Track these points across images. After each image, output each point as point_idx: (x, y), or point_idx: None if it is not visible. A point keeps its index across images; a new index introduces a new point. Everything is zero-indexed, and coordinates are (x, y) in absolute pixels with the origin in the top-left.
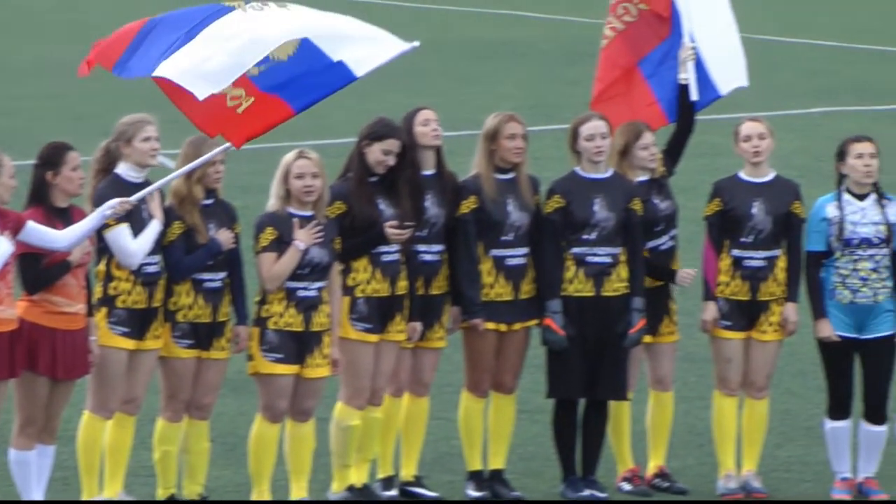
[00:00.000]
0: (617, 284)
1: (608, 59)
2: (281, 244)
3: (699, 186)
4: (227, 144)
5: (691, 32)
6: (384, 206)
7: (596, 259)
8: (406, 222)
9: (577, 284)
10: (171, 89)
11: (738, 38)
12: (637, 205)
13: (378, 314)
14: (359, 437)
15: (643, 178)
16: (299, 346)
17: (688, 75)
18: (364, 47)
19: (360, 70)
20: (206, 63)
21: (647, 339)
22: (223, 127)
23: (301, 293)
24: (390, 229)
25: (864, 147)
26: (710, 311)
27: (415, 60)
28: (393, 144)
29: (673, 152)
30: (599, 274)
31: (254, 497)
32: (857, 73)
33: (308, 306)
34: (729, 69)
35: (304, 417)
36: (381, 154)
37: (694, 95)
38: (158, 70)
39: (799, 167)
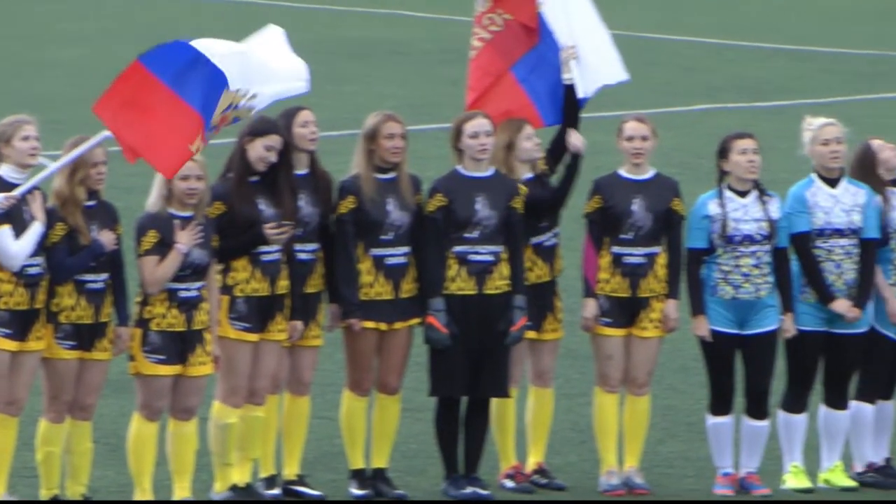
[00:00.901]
0: (499, 282)
1: (479, 67)
2: (163, 247)
3: (581, 184)
4: (104, 134)
5: (566, 35)
6: (264, 206)
7: (478, 257)
8: (285, 222)
9: (459, 283)
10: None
11: (608, 37)
12: (518, 203)
13: (258, 314)
14: (238, 436)
15: (528, 175)
16: (182, 345)
17: (572, 74)
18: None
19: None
20: None
21: (531, 335)
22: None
23: (183, 294)
24: (269, 230)
25: (748, 143)
26: (591, 308)
27: None
28: (275, 140)
29: (556, 151)
30: (482, 272)
31: (136, 497)
32: (737, 70)
33: (190, 306)
34: (601, 70)
35: (187, 416)
36: (263, 150)
37: (581, 92)
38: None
39: (679, 164)
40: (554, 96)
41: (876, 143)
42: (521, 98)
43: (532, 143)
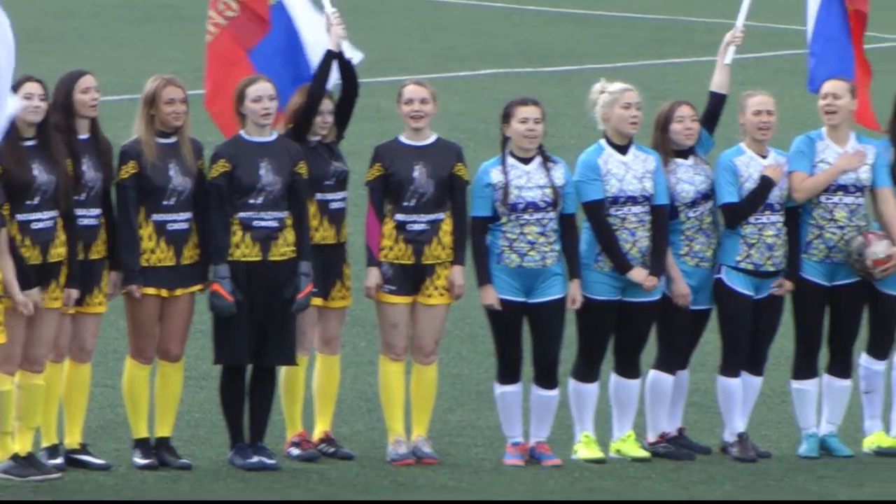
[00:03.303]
0: (284, 249)
1: (216, 55)
2: None
3: (366, 151)
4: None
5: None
6: (38, 171)
7: (262, 224)
8: (65, 186)
9: (243, 249)
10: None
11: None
12: (303, 168)
13: (31, 281)
14: (17, 405)
15: (316, 138)
16: None
17: (338, 42)
18: None
19: None
20: None
21: (318, 302)
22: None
23: None
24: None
25: (529, 111)
26: (373, 276)
27: (73, 24)
28: (33, 87)
29: (341, 117)
30: (266, 238)
31: None
32: (524, 34)
33: None
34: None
35: None
36: (23, 100)
37: (352, 57)
38: None
39: (465, 130)
40: (295, 81)
41: (677, 112)
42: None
43: (321, 118)
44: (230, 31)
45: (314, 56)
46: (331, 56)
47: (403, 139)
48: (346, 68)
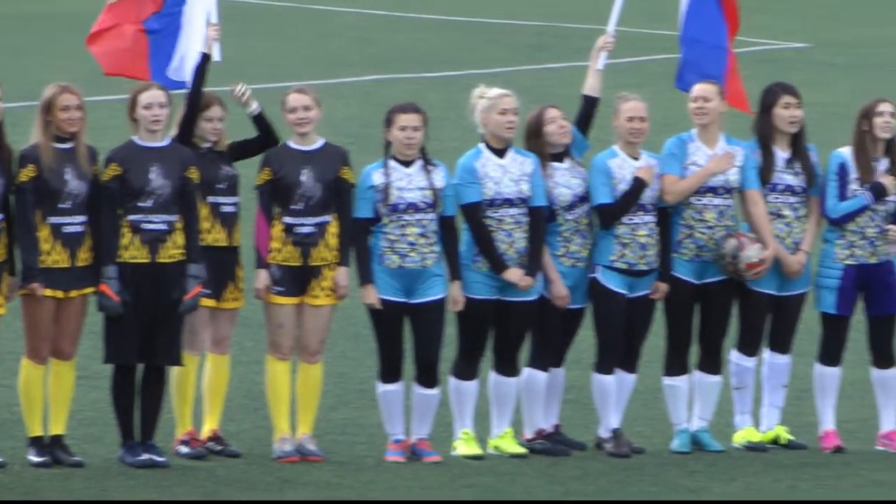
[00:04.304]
0: (173, 251)
1: (111, 12)
2: None
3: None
4: None
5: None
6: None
7: (151, 226)
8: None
9: (132, 251)
10: None
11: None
12: (193, 173)
13: None
14: None
15: (207, 144)
16: None
17: (214, 53)
18: None
19: None
20: None
21: (211, 303)
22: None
23: None
24: None
25: (408, 119)
26: (262, 278)
27: None
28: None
29: (244, 151)
30: (155, 241)
31: None
32: (406, 41)
33: None
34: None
35: None
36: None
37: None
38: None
39: (350, 134)
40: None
41: (547, 115)
42: (142, 50)
43: (212, 125)
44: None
45: (187, 55)
46: (205, 59)
47: (292, 144)
48: (264, 124)
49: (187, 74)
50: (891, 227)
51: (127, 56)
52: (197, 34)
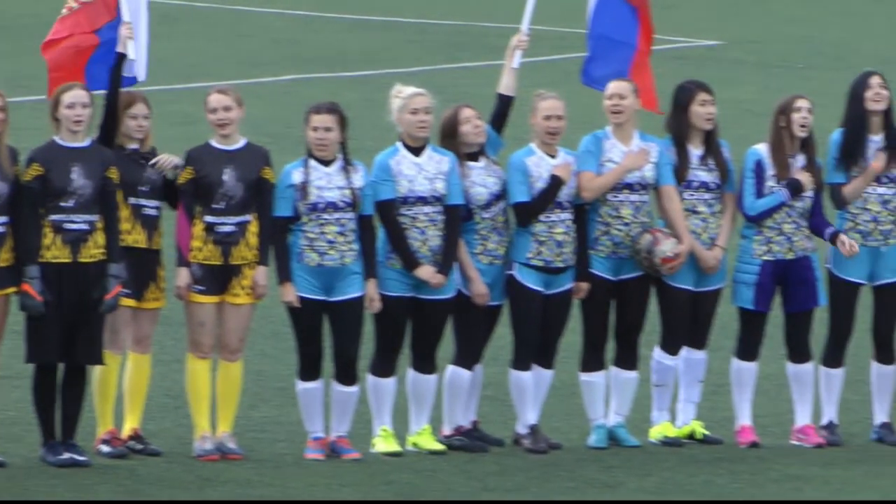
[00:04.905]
0: (94, 251)
1: (64, 24)
2: None
3: (175, 155)
4: None
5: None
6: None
7: (73, 226)
8: None
9: (54, 251)
10: None
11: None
12: (113, 173)
13: None
14: None
15: (133, 146)
16: None
17: (127, 51)
18: None
19: None
20: None
21: (132, 303)
22: None
23: None
24: None
25: (320, 120)
26: (183, 276)
27: None
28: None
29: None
30: (77, 240)
31: None
32: (324, 41)
33: None
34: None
35: None
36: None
37: (130, 73)
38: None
39: (270, 134)
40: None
41: (462, 115)
42: (83, 60)
43: (136, 122)
44: (83, 12)
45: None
46: (120, 59)
47: (214, 143)
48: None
49: (140, 72)
50: (843, 238)
51: (67, 71)
52: (142, 36)
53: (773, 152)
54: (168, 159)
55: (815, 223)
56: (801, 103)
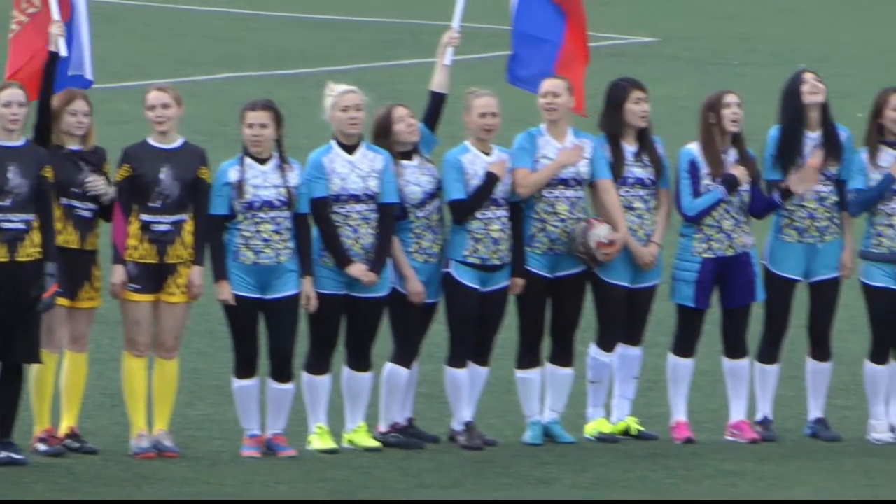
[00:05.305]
0: (30, 250)
1: (18, 46)
2: None
3: (110, 154)
4: None
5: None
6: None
7: (10, 225)
8: None
9: None
10: None
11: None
12: (48, 172)
13: None
14: None
15: (74, 146)
16: None
17: (59, 49)
18: None
19: None
20: None
21: (67, 302)
22: None
23: None
24: None
25: (255, 117)
26: (119, 274)
27: None
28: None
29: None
30: (13, 239)
31: None
32: (259, 39)
33: None
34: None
35: None
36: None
37: (79, 70)
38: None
39: (205, 132)
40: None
41: (395, 114)
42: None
43: (76, 119)
44: (32, 24)
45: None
46: (53, 57)
47: (151, 142)
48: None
49: (87, 71)
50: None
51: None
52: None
53: (705, 149)
54: (97, 185)
55: (759, 205)
56: (730, 98)
